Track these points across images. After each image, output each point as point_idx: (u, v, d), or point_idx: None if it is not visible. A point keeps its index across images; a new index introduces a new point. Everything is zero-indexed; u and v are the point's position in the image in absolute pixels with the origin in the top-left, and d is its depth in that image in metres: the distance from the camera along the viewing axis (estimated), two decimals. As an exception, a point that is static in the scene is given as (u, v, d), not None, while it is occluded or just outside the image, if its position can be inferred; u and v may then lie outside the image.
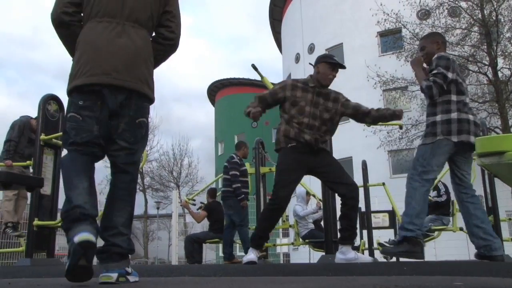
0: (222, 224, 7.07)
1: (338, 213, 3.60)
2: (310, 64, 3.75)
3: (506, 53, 15.50)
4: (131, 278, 2.00)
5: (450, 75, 3.20)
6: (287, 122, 3.44)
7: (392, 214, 7.43)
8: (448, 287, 1.76)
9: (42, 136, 4.71)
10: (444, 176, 5.45)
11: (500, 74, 15.41)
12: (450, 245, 9.87)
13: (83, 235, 1.77)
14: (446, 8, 16.54)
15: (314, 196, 7.25)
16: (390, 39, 19.58)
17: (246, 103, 3.60)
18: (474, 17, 15.67)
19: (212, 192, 7.63)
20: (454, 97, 3.23)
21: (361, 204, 7.59)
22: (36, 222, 4.55)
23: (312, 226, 7.05)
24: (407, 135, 16.85)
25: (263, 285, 1.96)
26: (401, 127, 6.46)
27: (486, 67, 15.63)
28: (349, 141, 18.59)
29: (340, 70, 3.57)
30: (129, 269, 2.01)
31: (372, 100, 18.58)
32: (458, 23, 16.21)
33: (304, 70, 21.35)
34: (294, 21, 25.59)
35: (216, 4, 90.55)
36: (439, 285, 1.75)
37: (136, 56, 2.09)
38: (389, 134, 17.22)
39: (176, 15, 2.30)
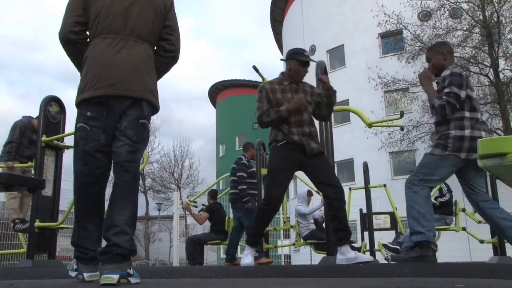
0: (223, 226, 7.06)
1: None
2: (281, 59, 3.77)
3: (508, 55, 15.49)
4: (133, 280, 2.01)
5: (463, 93, 3.18)
6: (276, 124, 3.50)
7: (393, 215, 7.42)
8: (450, 289, 1.76)
9: (44, 138, 4.72)
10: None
11: (501, 76, 15.39)
12: (453, 246, 9.83)
13: (91, 275, 2.18)
14: (447, 10, 16.55)
15: (318, 193, 7.23)
16: (391, 40, 19.58)
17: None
18: (475, 19, 15.65)
19: (213, 194, 7.61)
20: (467, 114, 3.21)
21: (363, 206, 7.66)
22: (37, 223, 4.56)
23: (313, 226, 7.03)
24: (408, 136, 16.83)
25: (264, 286, 1.96)
26: (402, 129, 6.41)
27: (488, 68, 15.62)
28: (350, 143, 18.52)
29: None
30: (130, 271, 2.02)
31: (373, 101, 18.65)
32: (459, 24, 16.19)
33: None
34: (295, 23, 25.62)
35: (217, 5, 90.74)
36: (441, 287, 1.75)
37: (139, 67, 2.22)
38: (390, 136, 17.19)
39: (175, 28, 2.44)
